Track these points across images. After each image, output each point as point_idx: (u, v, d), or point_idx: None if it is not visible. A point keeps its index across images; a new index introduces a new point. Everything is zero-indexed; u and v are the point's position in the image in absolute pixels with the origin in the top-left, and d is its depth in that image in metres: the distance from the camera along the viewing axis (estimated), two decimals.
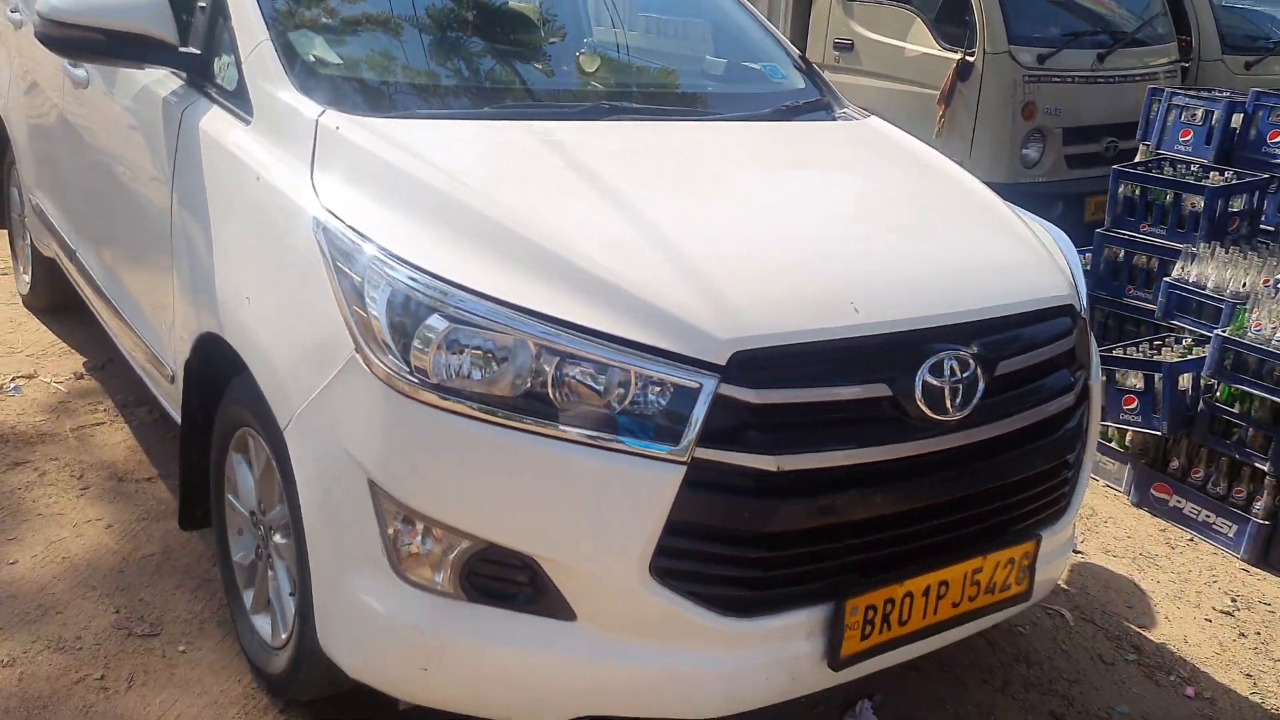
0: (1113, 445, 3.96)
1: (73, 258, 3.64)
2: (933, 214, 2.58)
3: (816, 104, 3.17)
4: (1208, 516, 3.60)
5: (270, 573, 2.41)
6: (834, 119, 3.11)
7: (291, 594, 2.28)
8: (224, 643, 2.63)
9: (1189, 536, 3.65)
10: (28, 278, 4.55)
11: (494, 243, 2.00)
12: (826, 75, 6.64)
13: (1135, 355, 3.77)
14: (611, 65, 3.31)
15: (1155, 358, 3.72)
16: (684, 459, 1.86)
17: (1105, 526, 3.69)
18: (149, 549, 2.99)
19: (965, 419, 2.08)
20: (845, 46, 6.40)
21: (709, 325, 1.90)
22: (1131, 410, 3.72)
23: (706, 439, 1.87)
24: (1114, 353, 3.82)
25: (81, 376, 4.02)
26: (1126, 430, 3.85)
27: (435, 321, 1.89)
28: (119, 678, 2.49)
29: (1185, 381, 3.65)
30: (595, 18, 3.58)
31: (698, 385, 1.87)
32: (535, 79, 2.91)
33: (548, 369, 1.87)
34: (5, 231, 4.85)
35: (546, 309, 1.90)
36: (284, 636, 2.35)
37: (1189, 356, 3.70)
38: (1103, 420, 3.87)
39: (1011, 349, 2.19)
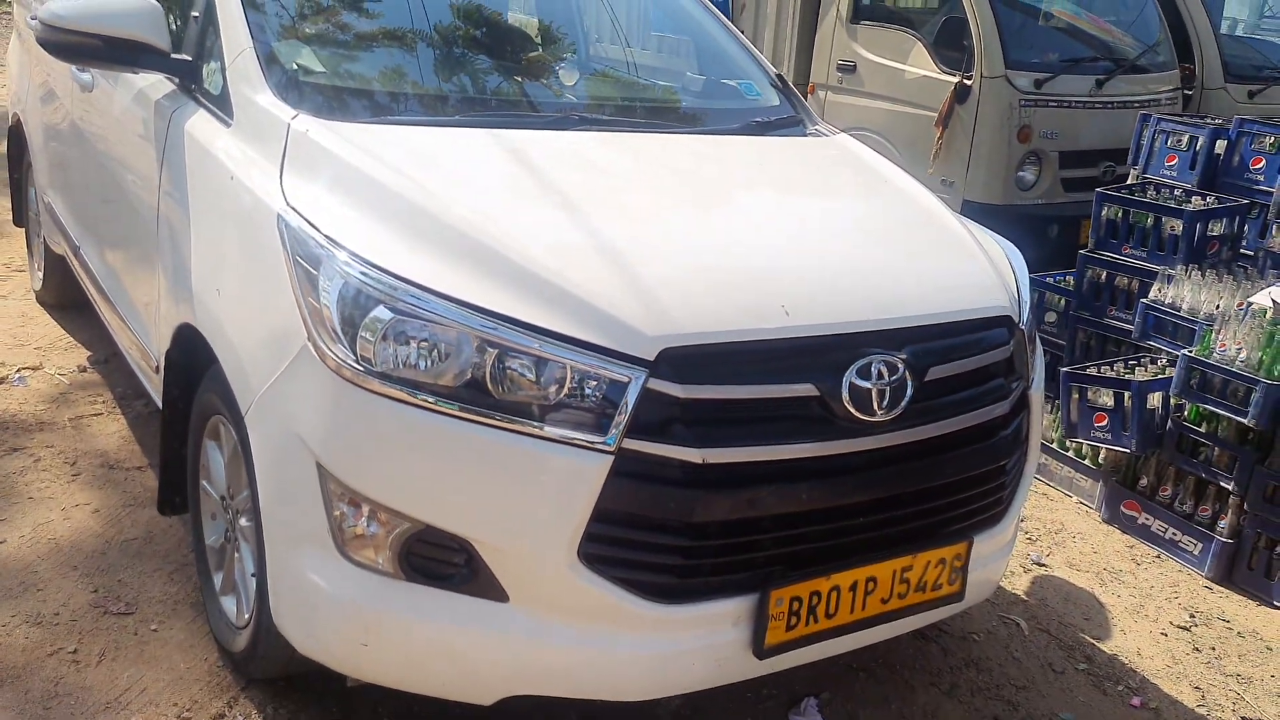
0: (1085, 462, 4.01)
1: (77, 254, 3.80)
2: (880, 226, 2.67)
3: (789, 120, 3.26)
4: (1174, 534, 3.64)
5: (236, 555, 2.52)
6: (804, 135, 3.21)
7: (253, 575, 2.39)
8: (194, 623, 2.74)
9: (1155, 554, 3.69)
10: (41, 274, 4.73)
11: (446, 242, 2.11)
12: (830, 95, 6.81)
13: (1108, 373, 3.82)
14: (589, 78, 3.44)
15: (1128, 377, 3.77)
16: (612, 449, 1.95)
17: (1073, 542, 3.73)
18: (132, 533, 3.11)
19: (893, 421, 2.15)
20: (848, 68, 6.50)
21: (639, 322, 1.99)
22: (1102, 427, 3.77)
23: (635, 430, 1.96)
24: (1087, 370, 3.88)
25: (84, 370, 4.18)
26: (1099, 447, 3.89)
27: (381, 313, 1.99)
28: (91, 652, 2.61)
29: (1154, 400, 3.69)
30: (579, 31, 3.70)
31: (627, 379, 1.96)
32: (510, 89, 3.03)
33: (488, 361, 1.97)
34: (24, 230, 5.04)
35: (489, 305, 2.00)
36: (246, 616, 2.46)
37: (1160, 376, 3.74)
38: (1074, 437, 3.92)
39: (943, 356, 2.26)
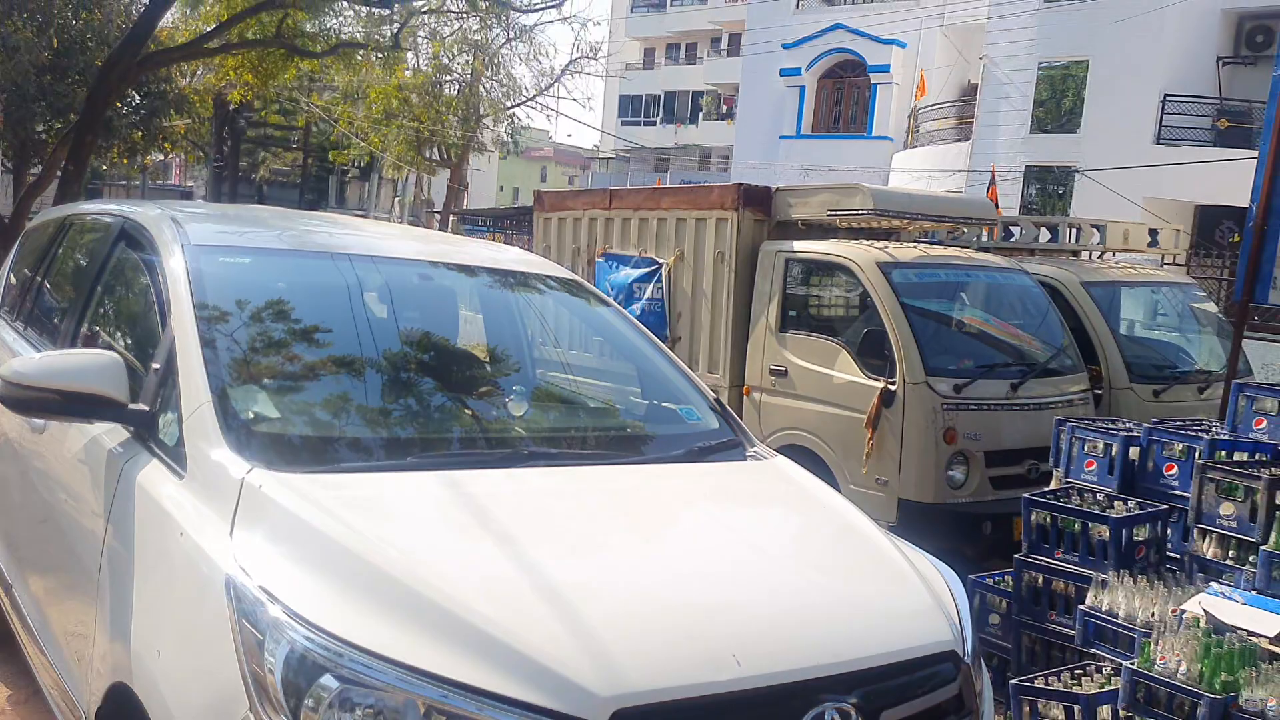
0: None
1: (8, 591, 3.70)
2: (823, 560, 2.74)
3: (728, 444, 3.39)
4: None
5: None
6: (744, 459, 3.32)
7: None
8: None
9: None
10: None
11: (395, 600, 2.12)
12: (765, 397, 7.11)
13: (1055, 684, 3.82)
14: (537, 406, 3.57)
15: (1075, 688, 3.77)
16: None
17: None
18: None
19: None
20: (780, 373, 6.86)
21: (591, 683, 1.99)
22: None
23: None
24: (1035, 682, 3.87)
25: (3, 711, 3.95)
26: None
27: (328, 681, 1.98)
28: None
29: (1104, 713, 3.68)
30: (525, 344, 3.89)
31: None
32: (459, 428, 3.14)
33: None
34: None
35: (437, 669, 1.99)
36: None
37: (1108, 686, 3.75)
38: None
39: (893, 698, 2.27)
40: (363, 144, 29.67)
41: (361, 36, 16.40)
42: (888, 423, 6.11)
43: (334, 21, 14.75)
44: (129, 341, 3.35)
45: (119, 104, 13.71)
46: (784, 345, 6.89)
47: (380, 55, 15.93)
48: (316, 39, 13.83)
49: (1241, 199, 6.12)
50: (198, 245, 3.21)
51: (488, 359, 3.71)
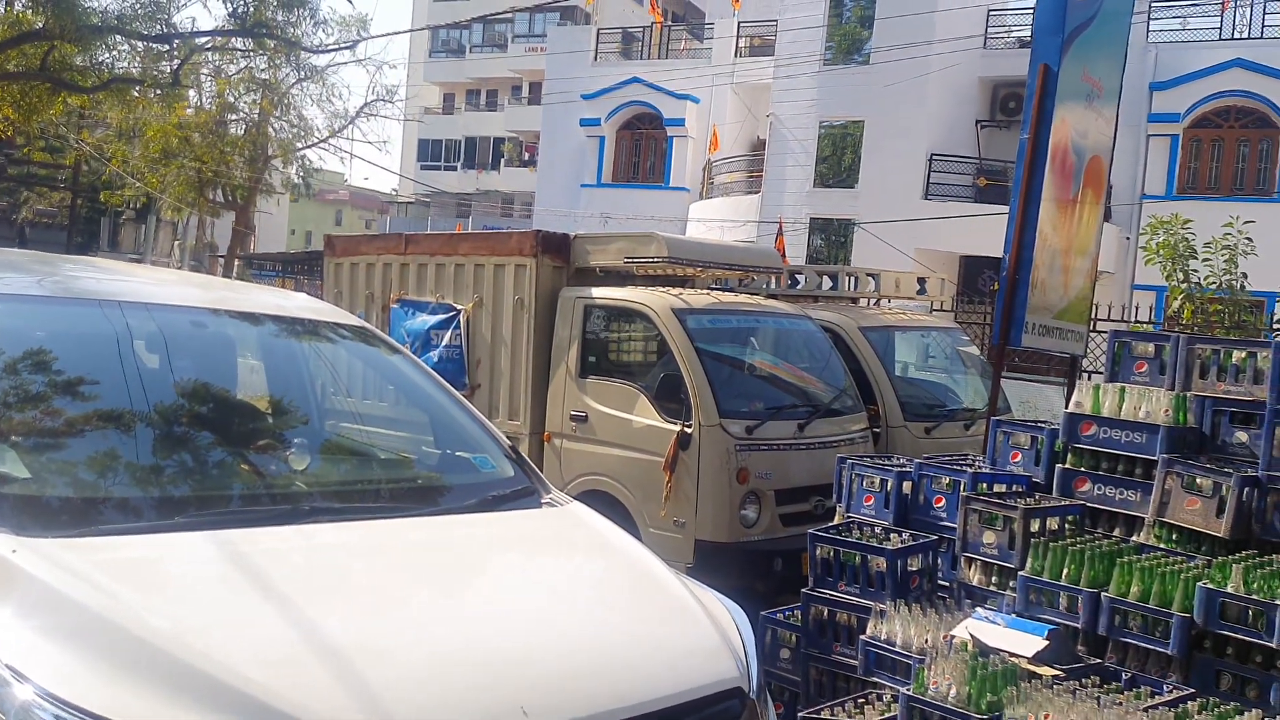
0: None
1: None
2: (614, 604, 2.78)
3: (523, 492, 3.38)
4: None
5: None
6: (539, 506, 3.32)
7: None
8: None
9: None
10: None
11: (163, 674, 2.00)
12: (566, 443, 7.13)
13: (840, 715, 3.98)
14: (322, 458, 3.46)
15: (858, 716, 3.94)
16: None
17: None
18: None
19: None
20: (580, 418, 6.90)
21: None
22: None
23: None
24: (821, 713, 4.02)
25: None
26: None
27: None
28: None
29: None
30: (312, 398, 3.76)
31: None
32: (236, 484, 3.00)
33: None
34: None
35: None
36: None
37: (888, 713, 3.94)
38: None
39: None
40: (138, 184, 28.02)
41: (138, 72, 15.55)
42: (684, 465, 6.26)
43: (107, 55, 13.94)
44: None
45: None
46: (584, 391, 6.94)
47: (159, 92, 15.15)
48: (87, 73, 13.02)
49: (1000, 251, 6.68)
50: None
51: (269, 410, 3.57)
